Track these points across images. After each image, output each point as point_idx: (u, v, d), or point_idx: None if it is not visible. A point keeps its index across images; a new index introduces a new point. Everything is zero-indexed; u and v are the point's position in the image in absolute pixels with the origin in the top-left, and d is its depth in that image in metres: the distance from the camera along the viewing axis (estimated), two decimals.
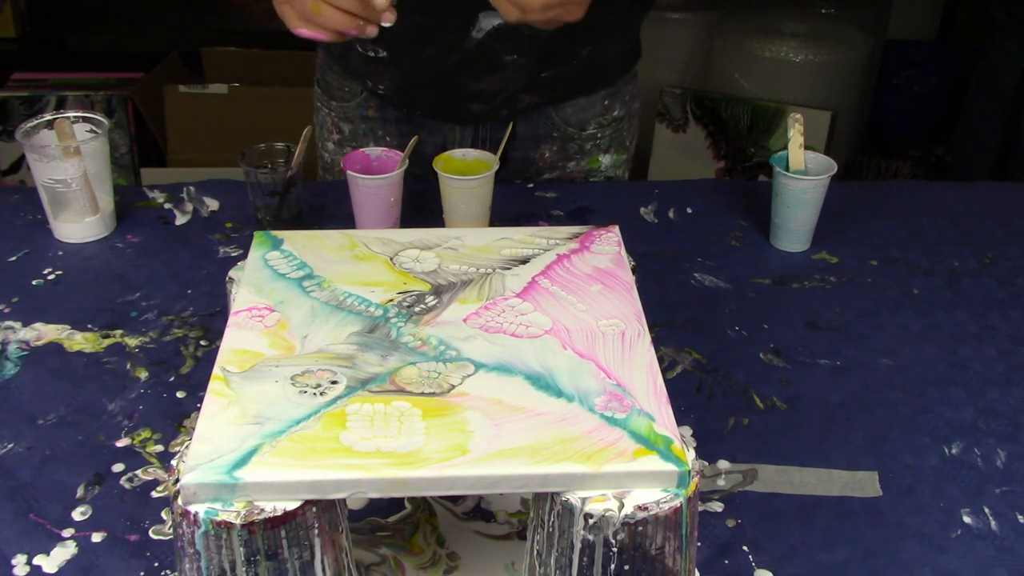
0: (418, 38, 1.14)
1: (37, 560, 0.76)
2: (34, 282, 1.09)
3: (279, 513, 0.59)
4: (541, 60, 1.13)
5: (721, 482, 0.85)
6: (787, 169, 1.14)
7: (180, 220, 1.21)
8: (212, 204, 1.24)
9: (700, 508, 0.77)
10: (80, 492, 0.82)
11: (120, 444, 0.87)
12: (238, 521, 0.58)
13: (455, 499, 0.81)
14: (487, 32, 1.10)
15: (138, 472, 0.84)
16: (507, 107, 1.20)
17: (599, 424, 0.64)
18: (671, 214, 1.25)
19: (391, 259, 0.83)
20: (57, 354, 0.98)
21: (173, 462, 0.61)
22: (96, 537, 0.78)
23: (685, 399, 0.93)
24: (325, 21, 0.85)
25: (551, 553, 0.63)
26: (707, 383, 0.96)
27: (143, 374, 0.96)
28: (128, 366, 0.97)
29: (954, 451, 0.89)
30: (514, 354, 0.71)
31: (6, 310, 1.04)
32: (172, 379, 0.95)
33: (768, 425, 0.91)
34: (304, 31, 0.86)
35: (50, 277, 1.10)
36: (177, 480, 0.59)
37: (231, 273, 0.82)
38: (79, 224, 1.15)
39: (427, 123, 1.24)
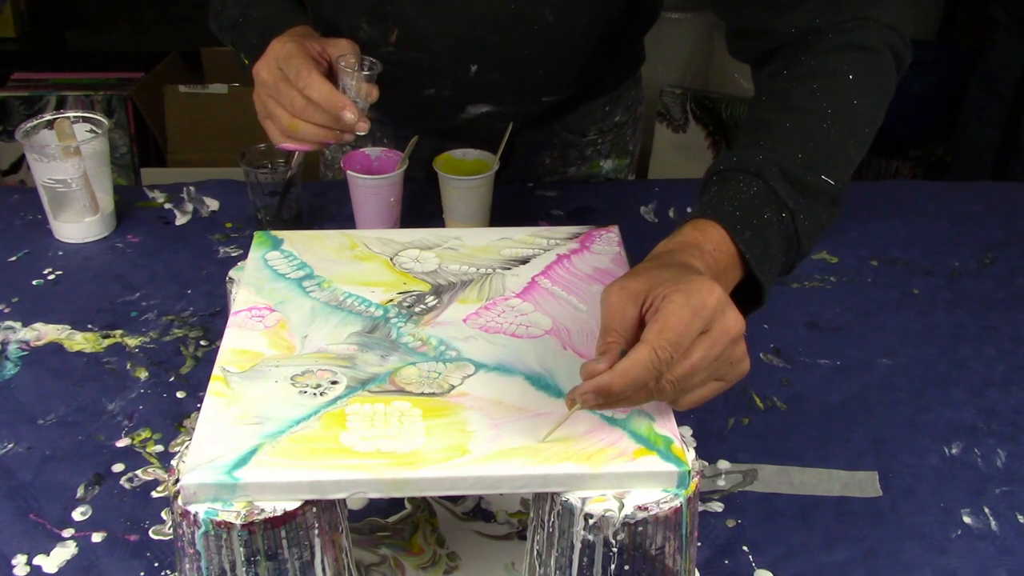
0: (407, 116, 1.20)
1: (37, 560, 0.76)
2: (34, 282, 1.09)
3: (279, 513, 0.59)
4: (539, 94, 1.14)
5: (721, 482, 0.85)
6: None
7: (180, 220, 1.21)
8: (212, 204, 1.24)
9: (700, 508, 0.77)
10: (80, 492, 0.82)
11: (120, 444, 0.87)
12: (238, 521, 0.58)
13: (455, 499, 0.81)
14: (476, 114, 1.14)
15: (138, 472, 0.84)
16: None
17: (599, 424, 0.64)
18: (671, 214, 1.25)
19: (391, 259, 0.83)
20: (57, 354, 0.98)
21: (173, 462, 0.61)
22: (96, 537, 0.78)
23: None
24: (303, 135, 0.91)
25: (551, 553, 0.63)
26: None
27: (143, 374, 0.96)
28: (128, 366, 0.97)
29: (954, 451, 0.89)
30: (514, 354, 0.71)
31: (6, 310, 1.04)
32: (172, 379, 0.95)
33: (768, 425, 0.91)
34: (287, 144, 0.93)
35: (50, 277, 1.10)
36: (177, 480, 0.59)
37: (231, 273, 0.82)
38: (79, 224, 1.15)
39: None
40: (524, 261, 0.82)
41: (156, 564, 0.76)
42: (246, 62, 0.99)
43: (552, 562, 0.64)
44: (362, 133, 0.91)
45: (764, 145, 0.77)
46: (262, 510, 0.59)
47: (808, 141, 0.78)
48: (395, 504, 0.81)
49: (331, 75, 0.93)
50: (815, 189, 0.76)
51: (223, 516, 0.59)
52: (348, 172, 1.09)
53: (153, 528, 0.79)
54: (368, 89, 0.93)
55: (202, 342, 1.00)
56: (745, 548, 0.79)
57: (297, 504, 0.60)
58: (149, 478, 0.84)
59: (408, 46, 1.03)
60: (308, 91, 0.88)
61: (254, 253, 0.83)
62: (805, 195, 0.76)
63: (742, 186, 0.75)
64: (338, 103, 0.88)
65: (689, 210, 1.25)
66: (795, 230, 0.75)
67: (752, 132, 0.80)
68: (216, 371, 0.68)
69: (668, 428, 0.64)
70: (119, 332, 1.01)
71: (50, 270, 1.11)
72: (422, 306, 0.76)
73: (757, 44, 0.89)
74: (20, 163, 2.52)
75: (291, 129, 0.90)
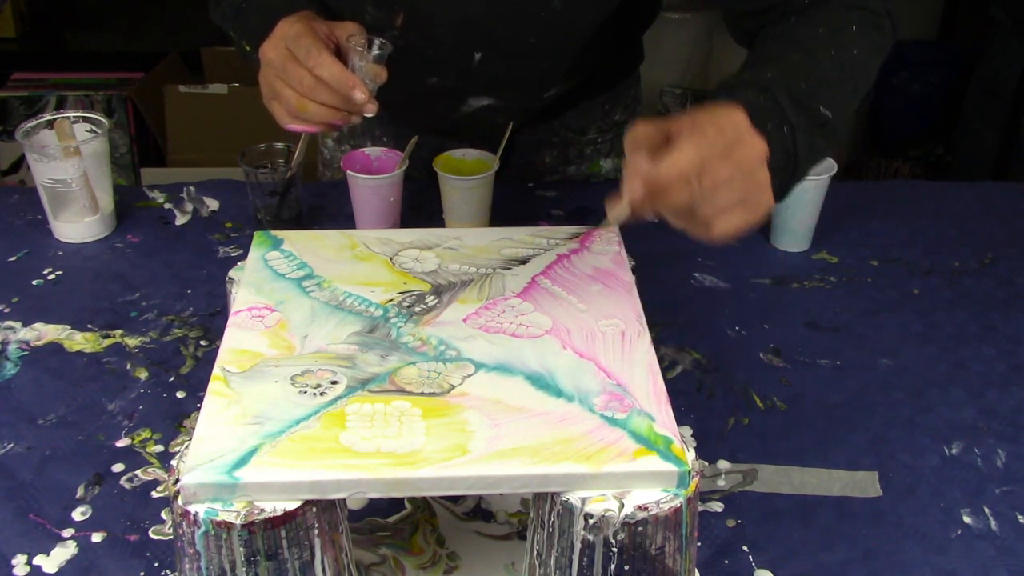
0: (408, 108, 1.18)
1: (37, 560, 0.76)
2: (34, 282, 1.09)
3: (279, 513, 0.59)
4: (540, 87, 1.14)
5: (721, 482, 0.85)
6: None
7: (180, 220, 1.21)
8: (212, 204, 1.24)
9: (700, 508, 0.77)
10: (80, 492, 0.82)
11: (120, 444, 0.87)
12: (238, 521, 0.58)
13: (455, 499, 0.81)
14: (477, 107, 1.13)
15: (138, 472, 0.84)
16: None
17: (599, 424, 0.64)
18: None
19: (391, 259, 0.83)
20: (57, 354, 0.98)
21: (173, 462, 0.61)
22: (96, 537, 0.78)
23: (685, 399, 0.93)
24: (311, 116, 0.89)
25: (551, 553, 0.63)
26: (707, 383, 0.96)
27: (143, 374, 0.96)
28: (128, 366, 0.97)
29: (954, 451, 0.89)
30: (514, 354, 0.71)
31: (6, 310, 1.04)
32: (172, 379, 0.95)
33: (768, 425, 0.91)
34: (294, 126, 0.91)
35: (50, 277, 1.10)
36: (177, 480, 0.59)
37: (231, 273, 0.82)
38: (79, 224, 1.15)
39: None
40: (524, 261, 0.82)
41: (156, 564, 0.76)
42: (247, 49, 0.98)
43: (552, 562, 0.64)
44: (370, 115, 0.89)
45: (770, 68, 0.82)
46: (262, 510, 0.59)
47: (811, 74, 0.82)
48: (395, 504, 0.81)
49: (339, 56, 0.92)
50: (815, 115, 0.80)
51: (223, 516, 0.59)
52: (348, 172, 1.09)
53: (153, 528, 0.79)
54: (377, 70, 0.92)
55: (202, 342, 1.00)
56: (745, 548, 0.79)
57: (297, 504, 0.60)
58: (149, 478, 0.84)
59: (413, 31, 1.03)
60: (318, 70, 0.87)
61: (254, 253, 0.83)
62: (805, 117, 0.80)
63: (750, 97, 0.78)
64: (348, 82, 0.87)
65: None
66: (794, 147, 0.78)
67: (758, 61, 0.85)
68: (216, 371, 0.68)
69: (668, 428, 0.64)
70: (119, 332, 1.01)
71: (50, 270, 1.11)
72: (422, 306, 0.76)
73: (762, 22, 0.91)
74: (20, 163, 2.52)
75: (299, 109, 0.89)
